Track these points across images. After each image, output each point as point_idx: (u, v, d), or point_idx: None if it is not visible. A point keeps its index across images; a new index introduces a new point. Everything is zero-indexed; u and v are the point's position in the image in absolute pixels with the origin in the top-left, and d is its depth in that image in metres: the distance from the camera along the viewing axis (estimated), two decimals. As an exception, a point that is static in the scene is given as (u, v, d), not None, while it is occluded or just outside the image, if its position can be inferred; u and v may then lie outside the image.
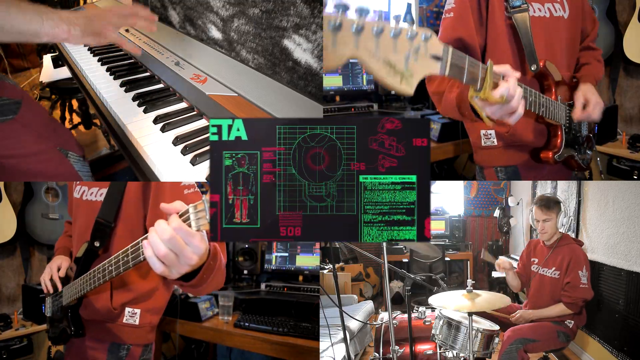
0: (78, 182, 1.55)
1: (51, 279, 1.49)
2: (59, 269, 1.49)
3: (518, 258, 2.52)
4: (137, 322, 1.45)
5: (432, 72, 0.92)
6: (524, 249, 2.44)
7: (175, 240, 0.85)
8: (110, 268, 1.15)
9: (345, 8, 0.78)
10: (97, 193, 1.46)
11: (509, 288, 2.46)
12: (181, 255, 0.87)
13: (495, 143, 1.64)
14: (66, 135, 1.70)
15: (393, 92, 2.48)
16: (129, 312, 1.44)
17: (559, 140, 1.53)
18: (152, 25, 1.47)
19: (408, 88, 0.88)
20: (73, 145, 1.64)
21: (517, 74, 1.16)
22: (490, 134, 1.64)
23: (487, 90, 1.08)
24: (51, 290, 1.48)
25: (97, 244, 1.38)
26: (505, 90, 1.11)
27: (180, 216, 0.88)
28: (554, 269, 2.19)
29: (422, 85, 1.53)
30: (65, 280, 1.46)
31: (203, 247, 0.88)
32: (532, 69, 1.47)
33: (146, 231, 1.28)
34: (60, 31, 1.24)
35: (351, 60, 2.45)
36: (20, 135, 1.47)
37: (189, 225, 0.85)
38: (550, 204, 2.24)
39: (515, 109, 1.16)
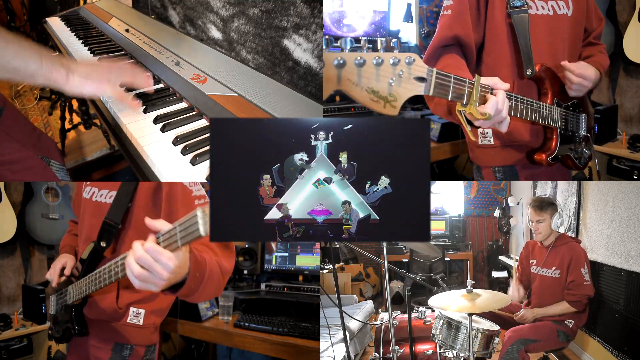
0: (88, 183, 1.56)
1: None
2: (63, 268, 1.49)
3: (518, 258, 2.52)
4: (141, 322, 1.45)
5: (416, 93, 0.96)
6: (522, 252, 2.44)
7: (144, 258, 0.97)
8: (116, 269, 1.18)
9: (331, 42, 0.83)
10: (106, 195, 1.47)
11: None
12: (152, 271, 0.97)
13: (492, 142, 1.64)
14: (49, 143, 1.69)
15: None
16: (133, 312, 1.44)
17: (553, 143, 1.53)
18: (149, 87, 1.48)
19: (392, 110, 0.93)
20: (55, 154, 1.63)
21: (506, 86, 1.17)
22: (487, 133, 1.64)
23: (473, 105, 1.10)
24: (54, 284, 1.49)
25: (103, 244, 1.39)
26: (494, 107, 1.12)
27: (162, 235, 0.98)
28: (554, 268, 2.19)
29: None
30: (70, 279, 1.47)
31: (172, 264, 0.97)
32: (528, 73, 1.47)
33: None
34: (59, 76, 1.21)
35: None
36: (1, 142, 1.46)
37: (175, 241, 0.93)
38: (543, 205, 2.24)
39: (504, 118, 1.18)
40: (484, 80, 1.14)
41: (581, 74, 1.51)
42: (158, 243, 0.98)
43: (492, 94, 1.15)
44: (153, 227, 1.00)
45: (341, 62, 0.85)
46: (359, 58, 0.86)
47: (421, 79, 0.95)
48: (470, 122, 1.21)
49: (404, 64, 0.92)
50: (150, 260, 0.96)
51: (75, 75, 1.23)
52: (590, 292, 2.12)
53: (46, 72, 1.18)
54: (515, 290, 2.35)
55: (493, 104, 1.12)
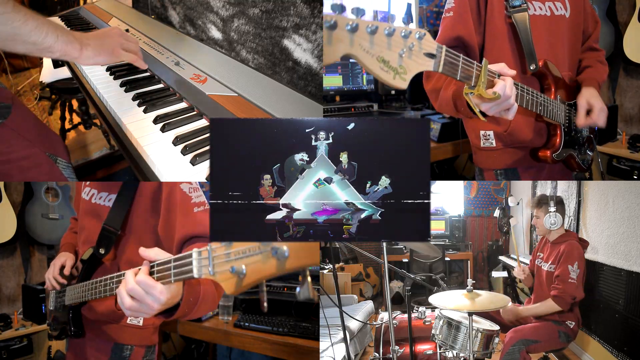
0: (87, 183, 1.55)
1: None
2: (63, 267, 1.49)
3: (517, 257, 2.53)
4: (140, 323, 1.44)
5: (426, 69, 0.96)
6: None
7: (135, 291, 0.95)
8: (112, 285, 1.18)
9: (342, 8, 0.81)
10: (106, 198, 1.46)
11: (509, 288, 2.46)
12: (143, 303, 0.96)
13: (494, 144, 1.64)
14: (55, 140, 1.69)
15: (393, 92, 2.48)
16: None
17: (557, 140, 1.53)
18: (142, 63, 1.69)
19: (401, 83, 0.92)
20: (62, 151, 1.63)
21: (513, 72, 1.18)
22: (489, 135, 1.64)
23: (481, 87, 1.11)
24: (57, 287, 1.49)
25: (102, 250, 1.38)
26: (502, 88, 1.13)
27: (157, 266, 0.96)
28: (550, 262, 2.21)
29: (422, 86, 1.54)
30: (69, 279, 1.46)
31: (164, 298, 0.95)
32: (531, 68, 1.47)
33: (155, 241, 1.34)
34: (73, 49, 1.31)
35: (351, 60, 2.46)
36: (10, 139, 1.46)
37: (169, 276, 0.91)
38: (537, 202, 2.31)
39: (512, 105, 1.18)
40: (492, 66, 1.15)
41: (599, 110, 1.54)
42: (152, 273, 0.96)
43: (499, 79, 1.16)
44: (147, 257, 0.98)
45: (354, 25, 0.84)
46: (370, 25, 0.86)
47: (431, 55, 0.96)
48: (473, 112, 1.22)
49: (414, 38, 0.92)
50: (142, 293, 0.95)
51: (89, 49, 1.36)
52: (575, 292, 2.07)
53: (62, 45, 1.27)
54: (518, 265, 2.36)
55: (502, 85, 1.13)
